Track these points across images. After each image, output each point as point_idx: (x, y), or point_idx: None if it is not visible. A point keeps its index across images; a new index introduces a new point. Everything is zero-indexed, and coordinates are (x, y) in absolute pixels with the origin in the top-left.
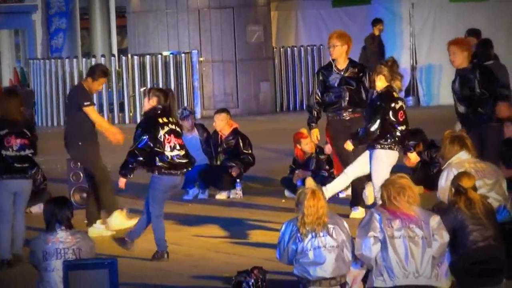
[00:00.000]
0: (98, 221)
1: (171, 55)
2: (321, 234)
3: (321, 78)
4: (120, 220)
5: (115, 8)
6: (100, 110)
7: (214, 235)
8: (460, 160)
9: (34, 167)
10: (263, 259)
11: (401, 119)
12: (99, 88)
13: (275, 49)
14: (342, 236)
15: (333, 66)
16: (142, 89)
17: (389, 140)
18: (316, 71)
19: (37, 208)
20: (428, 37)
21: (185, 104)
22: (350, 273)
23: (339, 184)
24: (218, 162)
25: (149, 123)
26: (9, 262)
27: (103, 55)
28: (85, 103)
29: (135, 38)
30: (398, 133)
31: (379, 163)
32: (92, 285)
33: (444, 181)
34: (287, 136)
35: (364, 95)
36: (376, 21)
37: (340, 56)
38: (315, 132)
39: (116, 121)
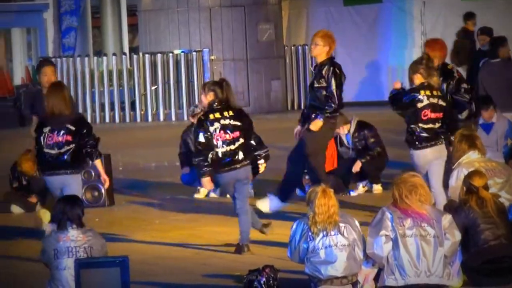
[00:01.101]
0: None
1: (182, 54)
2: (332, 232)
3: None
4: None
5: (126, 7)
6: (111, 109)
7: (225, 233)
8: (470, 159)
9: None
10: (275, 258)
11: (424, 118)
12: (44, 79)
13: (286, 48)
14: (354, 235)
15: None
16: (153, 88)
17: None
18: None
19: None
20: (439, 35)
21: (196, 103)
22: (362, 272)
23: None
24: None
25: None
26: None
27: (114, 54)
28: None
29: (146, 37)
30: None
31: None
32: (104, 283)
33: (455, 180)
34: None
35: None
36: (470, 16)
37: (320, 55)
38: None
39: (127, 120)
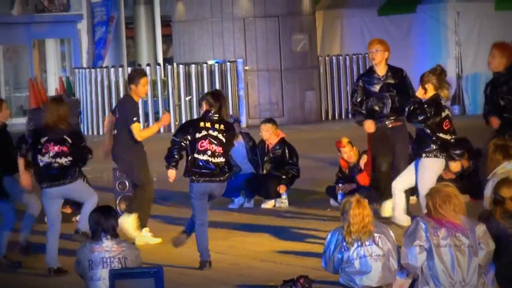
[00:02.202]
0: (145, 229)
1: (216, 64)
2: (367, 243)
3: (361, 84)
4: (130, 225)
5: (160, 17)
6: (146, 120)
7: (260, 244)
8: (505, 169)
9: (72, 175)
10: (309, 268)
11: (446, 128)
12: (146, 90)
13: (320, 58)
14: (388, 245)
15: (374, 72)
16: (187, 98)
17: (434, 147)
18: (356, 79)
19: None
20: (474, 46)
21: (231, 113)
22: (396, 282)
23: (397, 204)
24: (264, 171)
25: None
26: (56, 270)
27: (148, 64)
28: (133, 119)
29: (181, 47)
30: (443, 142)
31: (425, 172)
32: None
33: (490, 191)
34: (332, 144)
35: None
36: None
37: (381, 62)
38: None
39: (161, 130)
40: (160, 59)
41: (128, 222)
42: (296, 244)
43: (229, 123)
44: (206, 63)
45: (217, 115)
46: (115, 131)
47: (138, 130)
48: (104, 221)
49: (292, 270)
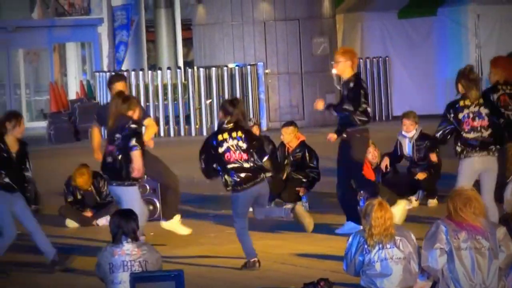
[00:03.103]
0: (176, 217)
1: (236, 67)
2: (388, 245)
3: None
4: (174, 224)
5: (180, 21)
6: (166, 123)
7: (280, 246)
8: None
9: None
10: (329, 271)
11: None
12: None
13: None
14: (409, 248)
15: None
16: (208, 102)
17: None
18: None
19: (104, 221)
20: (494, 48)
21: (251, 116)
22: (417, 285)
23: None
24: (285, 174)
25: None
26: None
27: (169, 68)
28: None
29: (201, 50)
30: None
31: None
32: None
33: (510, 194)
34: None
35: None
36: None
37: (343, 71)
38: None
39: (182, 134)
40: (181, 63)
41: (174, 225)
42: (316, 246)
43: (244, 128)
44: (227, 66)
45: (231, 124)
46: None
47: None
48: (125, 224)
49: (312, 272)
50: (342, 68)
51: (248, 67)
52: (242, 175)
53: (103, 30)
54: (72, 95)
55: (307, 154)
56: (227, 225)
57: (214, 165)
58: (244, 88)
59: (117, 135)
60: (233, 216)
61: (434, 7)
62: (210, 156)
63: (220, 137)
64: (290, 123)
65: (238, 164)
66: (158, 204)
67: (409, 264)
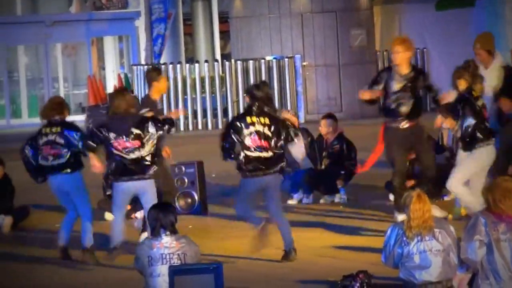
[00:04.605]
0: None
1: (274, 60)
2: (427, 238)
3: (379, 79)
4: None
5: (218, 13)
6: (204, 116)
7: (319, 239)
8: None
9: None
10: (368, 263)
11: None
12: (165, 85)
13: (378, 53)
14: (448, 240)
15: (395, 71)
16: (245, 94)
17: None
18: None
19: (143, 214)
20: None
21: (289, 108)
22: (456, 277)
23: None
24: (323, 167)
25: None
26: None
27: (206, 61)
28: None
29: (238, 43)
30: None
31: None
32: None
33: None
34: None
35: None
36: None
37: (402, 62)
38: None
39: (219, 126)
40: (218, 55)
41: None
42: (355, 239)
43: (274, 116)
44: (264, 59)
45: (259, 109)
46: None
47: None
48: (163, 217)
49: (351, 265)
50: (402, 59)
51: (286, 59)
52: (257, 162)
53: (141, 24)
54: (110, 89)
55: (345, 146)
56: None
57: (234, 147)
58: (281, 81)
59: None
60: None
61: None
62: (232, 137)
63: (248, 120)
64: (329, 115)
65: (258, 151)
66: (196, 197)
67: (448, 256)
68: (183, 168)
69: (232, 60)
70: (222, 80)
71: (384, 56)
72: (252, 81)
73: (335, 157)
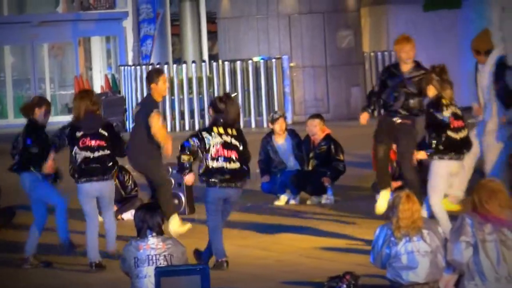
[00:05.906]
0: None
1: (261, 61)
2: (415, 238)
3: (383, 77)
4: (177, 225)
5: (205, 14)
6: (191, 116)
7: (305, 240)
8: None
9: (112, 169)
10: (355, 264)
11: (453, 126)
12: (165, 87)
13: (365, 54)
14: (436, 241)
15: (398, 67)
16: (233, 95)
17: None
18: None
19: (129, 215)
20: None
21: (276, 109)
22: (443, 279)
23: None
24: (310, 167)
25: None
26: (97, 264)
27: (193, 61)
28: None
29: (226, 44)
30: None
31: (433, 173)
32: None
33: None
34: None
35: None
36: None
37: (409, 59)
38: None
39: None
40: (206, 56)
41: (174, 225)
42: (341, 240)
43: (239, 128)
44: (252, 59)
45: (227, 120)
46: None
47: (158, 119)
48: (150, 218)
49: (338, 266)
50: (408, 56)
51: (273, 60)
52: (223, 173)
53: (128, 24)
54: (97, 89)
55: (332, 147)
56: (252, 218)
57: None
58: (269, 82)
59: None
60: (207, 212)
61: None
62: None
63: (215, 130)
64: (317, 115)
65: (223, 161)
66: (183, 199)
67: (436, 257)
68: (170, 170)
69: (220, 61)
70: (210, 80)
71: (371, 57)
72: (239, 82)
73: (323, 158)
